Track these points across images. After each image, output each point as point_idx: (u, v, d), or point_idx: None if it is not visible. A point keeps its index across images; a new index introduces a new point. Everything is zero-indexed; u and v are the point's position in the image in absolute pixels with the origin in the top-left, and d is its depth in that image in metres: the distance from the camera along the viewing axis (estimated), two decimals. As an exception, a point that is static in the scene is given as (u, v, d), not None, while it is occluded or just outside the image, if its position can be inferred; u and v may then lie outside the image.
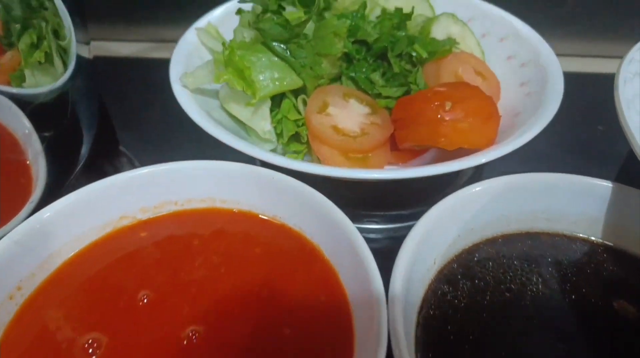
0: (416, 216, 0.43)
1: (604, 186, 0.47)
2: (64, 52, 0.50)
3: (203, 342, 0.39)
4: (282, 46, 0.53)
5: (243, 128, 0.58)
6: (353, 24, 0.58)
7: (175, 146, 0.71)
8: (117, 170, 0.73)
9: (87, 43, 0.60)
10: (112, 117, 0.74)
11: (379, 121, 0.55)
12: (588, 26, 0.93)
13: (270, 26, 0.52)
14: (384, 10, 0.67)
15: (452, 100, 0.48)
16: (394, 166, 0.57)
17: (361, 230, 0.41)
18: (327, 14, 0.66)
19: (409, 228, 0.60)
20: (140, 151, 0.73)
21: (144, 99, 0.81)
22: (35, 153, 0.51)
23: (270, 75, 0.53)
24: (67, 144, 0.60)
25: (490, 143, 0.50)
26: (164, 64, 0.62)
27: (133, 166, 0.72)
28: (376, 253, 0.40)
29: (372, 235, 0.59)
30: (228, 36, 0.68)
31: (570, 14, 0.92)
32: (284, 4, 0.63)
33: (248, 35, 0.59)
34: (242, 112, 0.56)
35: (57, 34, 0.49)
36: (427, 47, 0.60)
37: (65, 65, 0.50)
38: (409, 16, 0.66)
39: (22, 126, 0.49)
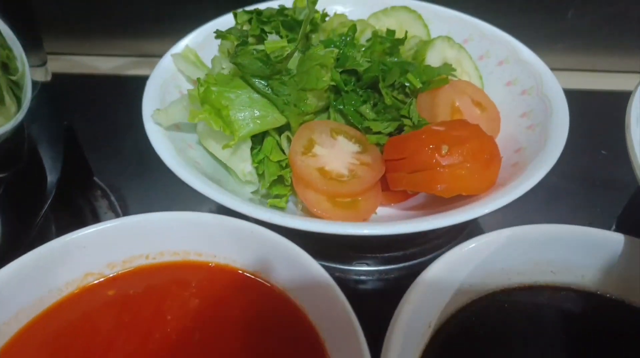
0: (409, 257, 0.39)
1: (612, 238, 0.43)
2: (16, 86, 0.45)
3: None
4: (262, 82, 0.48)
5: (224, 166, 0.54)
6: (341, 52, 0.54)
7: (155, 177, 0.67)
8: (90, 204, 0.68)
9: (43, 64, 0.55)
10: (83, 144, 0.68)
11: (369, 160, 0.50)
12: (590, 40, 0.89)
13: (249, 61, 0.47)
14: (375, 34, 0.63)
15: (449, 143, 0.44)
16: (386, 207, 0.52)
17: (351, 272, 0.37)
18: (313, 37, 0.62)
19: (402, 269, 0.57)
20: (117, 183, 0.69)
21: (121, 121, 0.75)
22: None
23: (250, 113, 0.48)
24: (27, 183, 0.55)
25: (490, 186, 0.46)
26: (144, 82, 0.57)
27: (108, 200, 0.68)
28: (367, 296, 0.36)
29: (362, 277, 0.55)
30: (209, 59, 0.63)
31: (570, 26, 0.88)
32: (266, 28, 0.59)
33: (227, 66, 0.54)
34: (220, 151, 0.51)
35: (6, 67, 0.43)
36: (422, 77, 0.55)
37: (19, 101, 0.45)
38: (401, 41, 0.61)
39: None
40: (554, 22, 0.88)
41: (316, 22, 0.63)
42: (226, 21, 0.68)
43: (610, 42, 0.89)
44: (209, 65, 0.63)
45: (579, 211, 0.64)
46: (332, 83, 0.52)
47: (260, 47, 0.52)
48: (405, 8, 0.72)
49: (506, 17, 0.78)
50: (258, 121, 0.49)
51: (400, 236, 0.41)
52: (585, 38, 0.89)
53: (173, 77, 0.61)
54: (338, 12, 0.72)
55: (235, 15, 0.61)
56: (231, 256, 0.45)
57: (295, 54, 0.52)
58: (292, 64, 0.52)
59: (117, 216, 0.64)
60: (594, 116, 0.75)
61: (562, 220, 0.41)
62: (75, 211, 0.65)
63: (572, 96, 0.56)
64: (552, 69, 0.60)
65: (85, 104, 0.81)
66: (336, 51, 0.53)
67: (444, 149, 0.44)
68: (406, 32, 0.62)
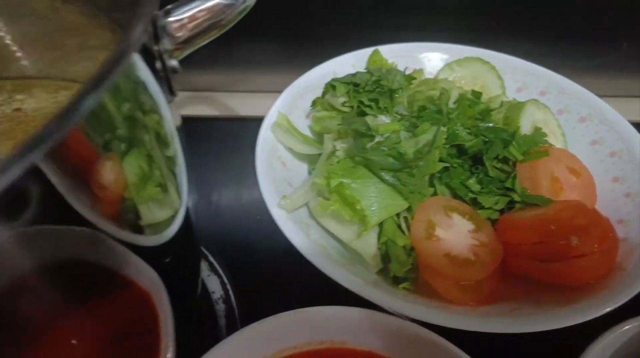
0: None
1: None
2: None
3: None
4: (391, 174, 0.51)
5: (341, 243, 0.56)
6: (450, 131, 0.56)
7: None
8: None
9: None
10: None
11: (486, 239, 0.53)
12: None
13: (382, 158, 0.50)
14: (462, 98, 0.64)
15: (577, 233, 0.47)
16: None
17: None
18: (397, 96, 0.64)
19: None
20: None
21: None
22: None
23: (378, 203, 0.51)
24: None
25: (612, 269, 0.49)
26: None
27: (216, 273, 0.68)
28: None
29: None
30: (297, 117, 0.65)
31: (624, 57, 0.90)
32: (363, 99, 0.60)
33: (340, 147, 0.56)
34: (343, 233, 0.54)
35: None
36: (522, 148, 0.58)
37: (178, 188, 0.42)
38: (490, 107, 0.63)
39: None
40: (607, 53, 0.90)
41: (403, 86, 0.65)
42: (309, 80, 0.69)
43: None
44: (299, 129, 0.65)
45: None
46: (446, 164, 0.55)
47: (358, 120, 0.54)
48: (479, 59, 0.74)
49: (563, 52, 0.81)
50: (385, 209, 0.51)
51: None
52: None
53: (274, 148, 0.62)
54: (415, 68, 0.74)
55: (334, 87, 0.62)
56: (374, 344, 0.48)
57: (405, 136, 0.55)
58: (405, 144, 0.54)
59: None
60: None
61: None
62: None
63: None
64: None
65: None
66: (445, 130, 0.56)
67: (574, 241, 0.47)
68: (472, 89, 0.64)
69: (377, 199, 0.51)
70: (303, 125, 0.68)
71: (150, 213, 0.35)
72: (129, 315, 0.38)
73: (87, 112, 0.24)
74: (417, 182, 0.51)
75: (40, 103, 0.56)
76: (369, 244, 0.52)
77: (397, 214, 0.55)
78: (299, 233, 0.52)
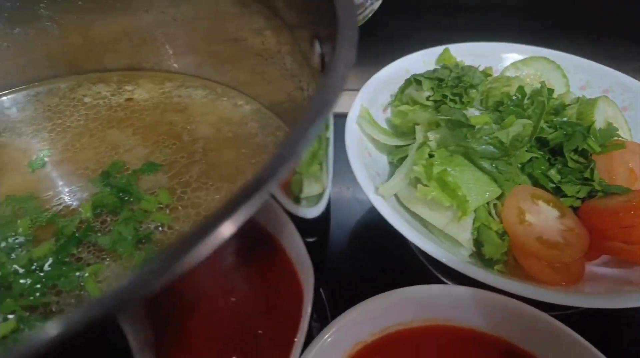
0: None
1: None
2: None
3: None
4: (488, 162, 0.54)
5: (425, 226, 0.59)
6: (535, 124, 0.59)
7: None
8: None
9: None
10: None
11: (572, 225, 0.57)
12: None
13: (483, 147, 0.53)
14: (535, 93, 0.68)
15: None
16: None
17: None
18: (472, 92, 0.67)
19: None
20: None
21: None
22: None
23: (476, 189, 0.54)
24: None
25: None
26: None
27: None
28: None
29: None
30: (375, 111, 0.68)
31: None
32: (447, 94, 0.64)
33: (433, 137, 0.59)
34: (437, 219, 0.57)
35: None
36: (599, 141, 0.62)
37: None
38: (563, 102, 0.67)
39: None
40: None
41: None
42: (385, 76, 0.73)
43: None
44: (378, 122, 0.68)
45: None
46: (535, 155, 0.58)
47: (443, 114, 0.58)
48: (544, 58, 0.77)
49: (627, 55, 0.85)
50: (482, 196, 0.55)
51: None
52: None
53: (360, 139, 0.66)
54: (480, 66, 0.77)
55: (418, 82, 0.66)
56: (477, 321, 0.51)
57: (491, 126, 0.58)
58: (489, 132, 0.58)
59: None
60: None
61: None
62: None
63: None
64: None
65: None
66: (531, 123, 0.59)
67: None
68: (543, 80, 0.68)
69: (474, 186, 0.54)
70: (380, 118, 0.72)
71: (309, 187, 0.38)
72: (277, 276, 0.41)
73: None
74: (513, 170, 0.55)
75: (149, 93, 0.59)
76: (464, 229, 0.56)
77: (487, 202, 0.58)
78: (397, 216, 0.55)
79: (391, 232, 0.54)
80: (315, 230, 0.44)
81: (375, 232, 0.70)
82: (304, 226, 0.39)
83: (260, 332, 0.38)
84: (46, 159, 0.52)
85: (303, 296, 0.42)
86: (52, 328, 0.17)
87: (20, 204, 0.47)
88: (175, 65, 0.60)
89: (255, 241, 0.36)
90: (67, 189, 0.49)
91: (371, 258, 0.66)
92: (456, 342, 0.52)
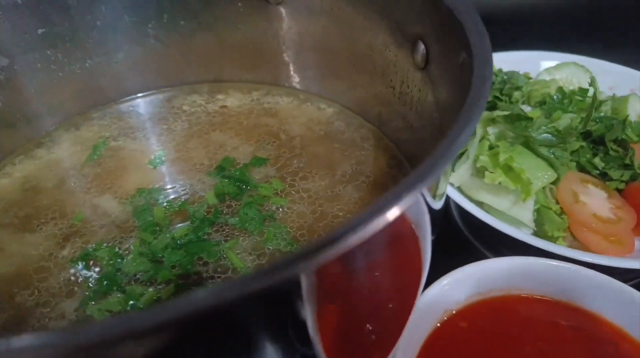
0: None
1: None
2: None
3: None
4: (547, 150, 0.62)
5: (488, 212, 0.67)
6: (582, 117, 0.68)
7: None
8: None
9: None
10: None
11: (620, 204, 0.65)
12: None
13: (542, 135, 0.61)
14: (572, 94, 0.76)
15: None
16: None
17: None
18: (515, 94, 0.76)
19: None
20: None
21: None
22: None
23: (536, 174, 0.62)
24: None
25: None
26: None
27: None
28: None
29: None
30: None
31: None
32: (497, 94, 0.72)
33: (492, 132, 0.67)
34: (500, 203, 0.64)
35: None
36: (635, 131, 0.70)
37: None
38: (597, 101, 0.76)
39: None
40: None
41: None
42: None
43: None
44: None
45: None
46: (582, 144, 0.66)
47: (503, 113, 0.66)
48: (575, 64, 0.86)
49: None
50: (542, 179, 0.62)
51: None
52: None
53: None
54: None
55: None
56: (544, 289, 0.58)
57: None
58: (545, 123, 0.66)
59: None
60: None
61: None
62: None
63: None
64: None
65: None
66: (576, 116, 0.67)
67: None
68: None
69: (535, 171, 0.62)
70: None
71: (442, 185, 0.45)
72: (408, 256, 0.48)
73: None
74: (567, 156, 0.63)
75: (240, 101, 0.67)
76: (527, 210, 0.63)
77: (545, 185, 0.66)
78: (465, 199, 0.63)
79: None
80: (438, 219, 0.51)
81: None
82: (433, 215, 0.43)
83: (390, 305, 0.43)
84: (163, 158, 0.59)
85: (422, 275, 0.48)
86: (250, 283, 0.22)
87: (151, 195, 0.54)
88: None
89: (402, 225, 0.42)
90: (188, 182, 0.56)
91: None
92: (529, 310, 0.59)
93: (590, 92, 0.80)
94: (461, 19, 0.39)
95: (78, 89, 0.64)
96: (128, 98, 0.68)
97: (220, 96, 0.68)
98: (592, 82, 0.72)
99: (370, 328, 0.38)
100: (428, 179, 0.28)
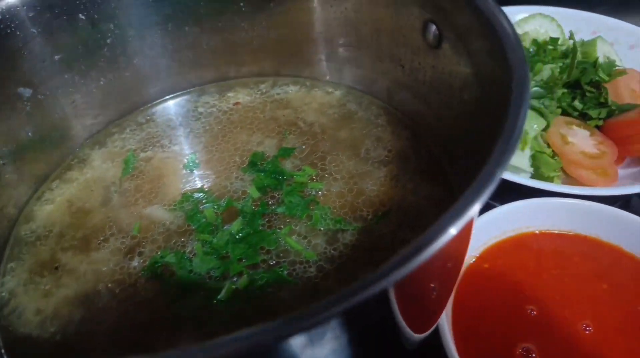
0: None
1: None
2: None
3: (594, 333, 0.57)
4: (537, 101, 0.69)
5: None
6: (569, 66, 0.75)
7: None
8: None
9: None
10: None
11: (601, 139, 0.73)
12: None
13: (534, 89, 0.68)
14: (549, 42, 0.84)
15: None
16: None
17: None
18: None
19: None
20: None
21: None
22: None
23: (531, 124, 0.69)
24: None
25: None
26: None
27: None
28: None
29: None
30: None
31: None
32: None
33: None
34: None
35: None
36: (605, 72, 0.78)
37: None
38: (555, 40, 0.83)
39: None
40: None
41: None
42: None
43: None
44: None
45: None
46: (564, 90, 0.74)
47: None
48: (540, 14, 0.93)
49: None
50: (534, 129, 0.70)
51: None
52: None
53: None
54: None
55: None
56: (549, 224, 0.67)
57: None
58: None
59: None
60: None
61: None
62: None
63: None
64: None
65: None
66: (556, 66, 0.75)
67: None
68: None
69: (529, 122, 0.69)
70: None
71: None
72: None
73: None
74: (554, 104, 0.70)
75: (250, 96, 0.71)
76: (524, 156, 0.71)
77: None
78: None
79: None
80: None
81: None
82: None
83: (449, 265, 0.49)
84: (197, 161, 0.63)
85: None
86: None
87: (197, 198, 0.59)
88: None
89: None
90: (227, 181, 0.60)
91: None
92: (540, 244, 0.68)
93: (570, 43, 0.88)
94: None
95: (95, 108, 0.66)
96: (142, 109, 0.71)
97: (230, 94, 0.72)
98: (572, 35, 0.79)
99: (433, 286, 0.45)
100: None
